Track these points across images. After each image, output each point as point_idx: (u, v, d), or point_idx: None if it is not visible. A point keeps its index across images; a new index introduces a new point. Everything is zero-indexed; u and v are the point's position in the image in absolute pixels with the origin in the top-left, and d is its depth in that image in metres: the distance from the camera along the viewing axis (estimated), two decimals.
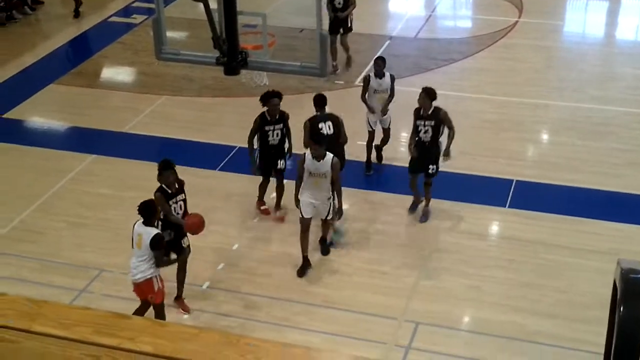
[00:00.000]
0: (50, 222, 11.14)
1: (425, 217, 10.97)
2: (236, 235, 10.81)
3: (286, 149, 10.81)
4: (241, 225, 11.02)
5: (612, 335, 2.93)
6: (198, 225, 8.87)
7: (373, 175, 12.01)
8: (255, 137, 10.64)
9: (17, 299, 2.76)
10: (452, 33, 17.56)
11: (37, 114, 14.48)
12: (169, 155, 9.72)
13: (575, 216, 10.92)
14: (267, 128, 10.56)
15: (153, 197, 8.74)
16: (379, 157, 12.19)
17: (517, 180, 11.74)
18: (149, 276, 8.43)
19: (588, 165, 12.09)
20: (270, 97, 10.40)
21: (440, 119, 10.42)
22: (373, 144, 11.90)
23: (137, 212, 8.35)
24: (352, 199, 11.16)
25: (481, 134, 12.85)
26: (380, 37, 16.51)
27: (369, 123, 11.71)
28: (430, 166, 10.62)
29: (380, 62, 11.51)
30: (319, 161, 9.50)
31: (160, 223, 8.80)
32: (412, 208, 11.12)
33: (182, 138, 12.92)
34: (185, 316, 9.34)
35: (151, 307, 8.70)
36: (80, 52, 17.06)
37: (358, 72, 14.94)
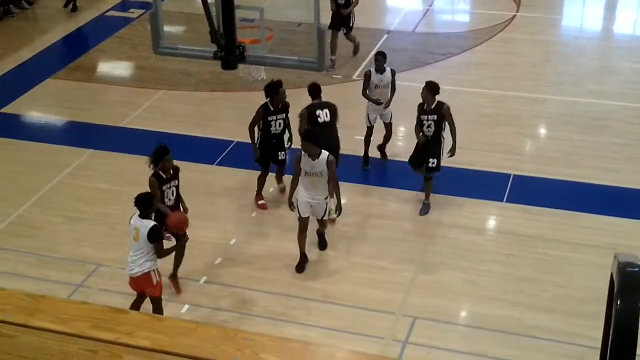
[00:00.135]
0: (47, 217, 11.12)
1: (424, 210, 10.96)
2: (234, 230, 10.80)
3: (286, 140, 10.85)
4: (239, 220, 11.02)
5: (609, 328, 2.93)
6: (181, 221, 8.82)
7: (371, 169, 12.01)
8: (256, 127, 10.68)
9: (14, 294, 2.76)
10: (449, 27, 17.54)
11: (34, 108, 14.45)
12: None
13: (573, 211, 10.92)
14: (270, 118, 10.62)
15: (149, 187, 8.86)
16: (383, 155, 12.11)
17: (514, 175, 11.74)
18: (146, 270, 8.43)
19: (586, 160, 12.09)
20: (279, 87, 10.50)
21: (442, 114, 10.43)
22: (371, 139, 11.87)
23: (134, 204, 8.36)
24: (349, 194, 11.15)
25: (478, 129, 12.85)
26: (378, 31, 16.49)
27: (369, 119, 11.68)
28: (431, 159, 10.63)
29: (380, 58, 11.46)
30: (313, 160, 9.45)
31: (154, 215, 8.84)
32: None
33: (179, 132, 12.91)
34: (183, 310, 9.35)
35: (148, 302, 8.71)
36: (78, 46, 17.02)
37: (356, 66, 14.94)
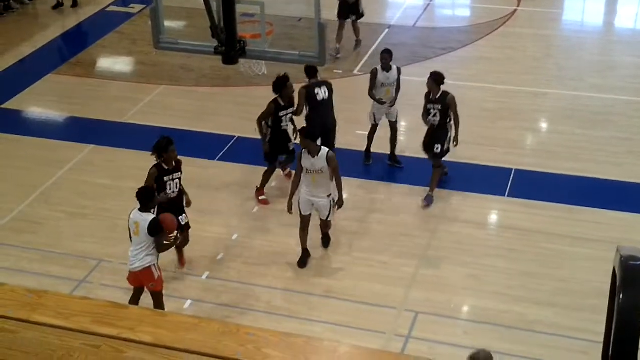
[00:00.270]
0: (49, 213, 11.12)
1: (427, 200, 10.94)
2: (236, 225, 10.80)
3: (292, 131, 10.93)
4: (241, 215, 11.01)
5: (612, 322, 2.92)
6: (172, 220, 8.73)
7: (372, 164, 11.99)
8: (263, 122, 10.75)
9: (16, 290, 2.76)
10: (450, 22, 17.50)
11: (35, 104, 14.45)
12: None
13: (575, 205, 10.91)
14: (281, 113, 10.70)
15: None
16: (397, 161, 11.83)
17: (516, 170, 11.72)
18: (147, 264, 8.43)
19: (587, 154, 12.07)
20: (286, 81, 10.55)
21: (447, 104, 10.57)
22: (374, 136, 11.81)
23: (136, 197, 8.37)
24: (351, 189, 11.14)
25: (480, 123, 12.82)
26: (379, 26, 16.46)
27: (374, 117, 11.60)
28: (436, 145, 10.68)
29: (387, 55, 11.36)
30: (313, 157, 9.42)
31: (156, 210, 8.82)
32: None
33: (180, 128, 12.88)
34: (186, 305, 9.35)
35: (148, 297, 8.69)
36: (78, 42, 17.02)
37: (357, 61, 14.93)
